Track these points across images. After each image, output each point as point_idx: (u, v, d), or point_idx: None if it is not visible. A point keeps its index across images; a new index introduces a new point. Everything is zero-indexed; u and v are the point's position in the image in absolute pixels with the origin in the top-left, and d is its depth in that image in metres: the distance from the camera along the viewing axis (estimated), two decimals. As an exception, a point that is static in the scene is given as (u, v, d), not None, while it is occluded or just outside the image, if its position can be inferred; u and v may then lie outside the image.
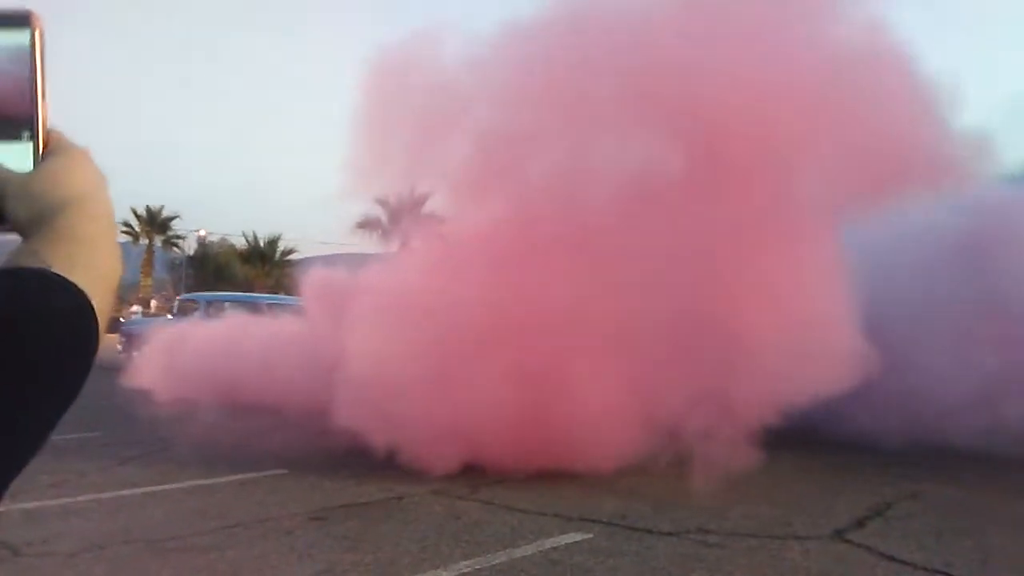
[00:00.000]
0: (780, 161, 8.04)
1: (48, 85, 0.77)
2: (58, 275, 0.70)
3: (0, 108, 0.76)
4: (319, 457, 8.54)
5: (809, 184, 8.18)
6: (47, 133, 0.78)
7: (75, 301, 0.70)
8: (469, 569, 5.18)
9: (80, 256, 0.73)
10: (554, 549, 5.60)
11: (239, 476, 7.88)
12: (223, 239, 61.08)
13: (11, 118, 0.76)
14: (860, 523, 6.11)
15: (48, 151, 0.78)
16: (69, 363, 0.69)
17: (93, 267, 0.74)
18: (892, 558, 5.39)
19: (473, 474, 6.68)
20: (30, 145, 0.77)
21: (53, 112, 0.78)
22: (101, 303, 0.73)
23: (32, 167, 0.77)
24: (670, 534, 5.89)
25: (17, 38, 0.75)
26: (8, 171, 0.76)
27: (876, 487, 7.18)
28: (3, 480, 0.64)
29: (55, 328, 0.68)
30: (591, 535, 5.90)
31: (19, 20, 0.75)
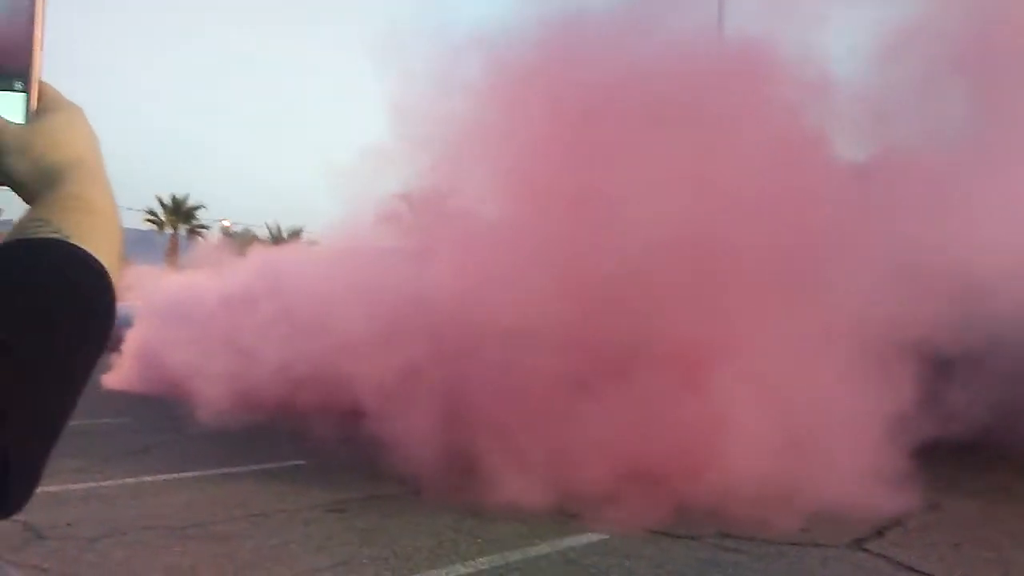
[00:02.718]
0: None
1: (45, 37, 0.75)
2: (78, 247, 0.71)
3: None
4: (338, 449, 8.58)
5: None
6: (40, 86, 0.77)
7: (95, 273, 0.71)
8: (486, 566, 5.20)
9: (95, 227, 0.74)
10: (571, 549, 5.61)
11: (259, 466, 7.95)
12: (247, 230, 61.51)
13: (6, 68, 0.75)
14: (879, 533, 6.07)
15: (42, 105, 0.77)
16: (92, 335, 0.69)
17: (106, 238, 0.74)
18: (911, 568, 5.35)
19: (494, 472, 6.68)
20: (23, 96, 0.76)
21: (77, 91, 0.78)
22: (114, 274, 0.73)
23: (24, 120, 0.76)
24: (688, 538, 5.88)
25: None
26: (7, 122, 0.75)
27: (895, 498, 7.10)
28: (42, 451, 0.65)
29: (78, 300, 0.69)
30: (608, 536, 5.89)
31: None
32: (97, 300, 0.71)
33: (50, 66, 0.77)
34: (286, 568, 5.05)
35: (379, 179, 10.16)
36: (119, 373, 13.37)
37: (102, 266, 0.72)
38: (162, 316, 13.37)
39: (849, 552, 5.70)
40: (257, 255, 14.44)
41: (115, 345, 13.48)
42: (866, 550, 5.74)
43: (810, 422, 6.71)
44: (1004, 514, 6.74)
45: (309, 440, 8.94)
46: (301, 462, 8.17)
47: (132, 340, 13.72)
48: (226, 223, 59.94)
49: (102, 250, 0.73)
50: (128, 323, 13.93)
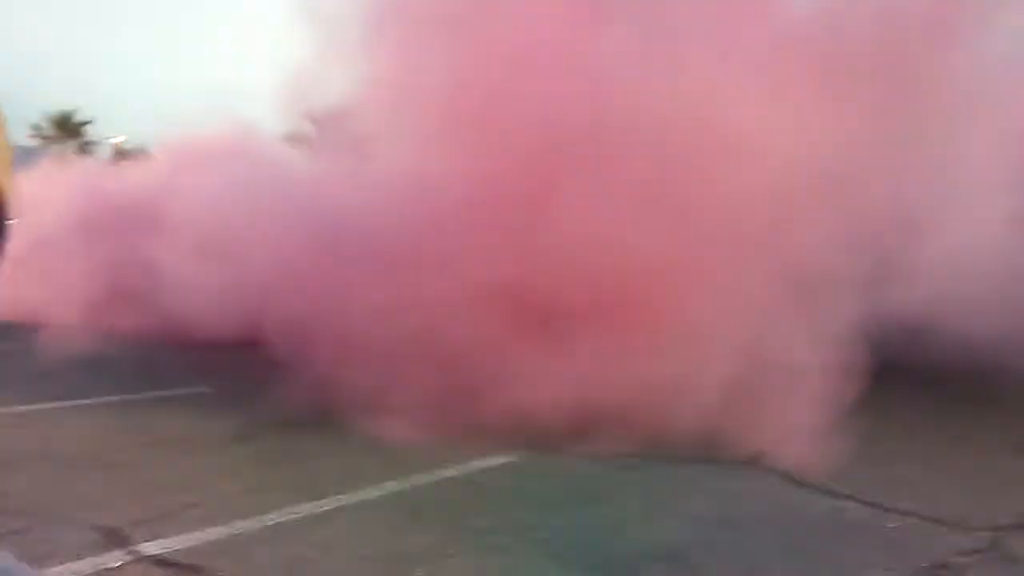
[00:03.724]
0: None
1: None
2: None
3: None
4: (243, 375, 8.43)
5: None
6: None
7: None
8: (394, 489, 5.23)
9: None
10: (479, 471, 5.69)
11: (161, 393, 7.74)
12: (140, 148, 58.78)
13: None
14: (774, 448, 6.27)
15: None
16: None
17: None
18: (802, 484, 5.62)
19: (402, 396, 6.67)
20: None
21: None
22: (5, 188, 0.66)
23: None
24: (592, 457, 6.02)
25: None
26: None
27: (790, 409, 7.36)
28: None
29: None
30: (514, 458, 5.99)
31: None
32: None
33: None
34: (192, 495, 4.96)
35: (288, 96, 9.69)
36: (9, 296, 12.69)
37: None
38: (49, 231, 12.61)
39: (745, 467, 5.94)
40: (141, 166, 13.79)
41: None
42: (760, 465, 5.98)
43: (710, 341, 6.79)
44: (895, 433, 7.06)
45: (213, 366, 8.76)
46: (205, 389, 7.99)
47: (19, 259, 13.00)
48: (118, 139, 57.14)
49: None
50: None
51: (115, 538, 4.28)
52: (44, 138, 51.57)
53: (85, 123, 52.91)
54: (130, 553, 4.12)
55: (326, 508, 4.86)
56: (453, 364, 6.83)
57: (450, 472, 5.63)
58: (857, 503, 5.29)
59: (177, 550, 4.17)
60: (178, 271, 9.84)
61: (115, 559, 4.04)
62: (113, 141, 56.43)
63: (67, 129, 52.38)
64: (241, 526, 4.52)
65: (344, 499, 5.02)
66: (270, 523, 4.59)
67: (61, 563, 3.94)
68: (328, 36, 8.25)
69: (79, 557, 4.04)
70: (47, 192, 13.01)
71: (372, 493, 5.13)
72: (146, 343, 9.95)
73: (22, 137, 49.92)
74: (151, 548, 4.18)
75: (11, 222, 0.69)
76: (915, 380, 7.73)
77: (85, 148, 53.70)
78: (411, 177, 7.90)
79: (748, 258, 6.64)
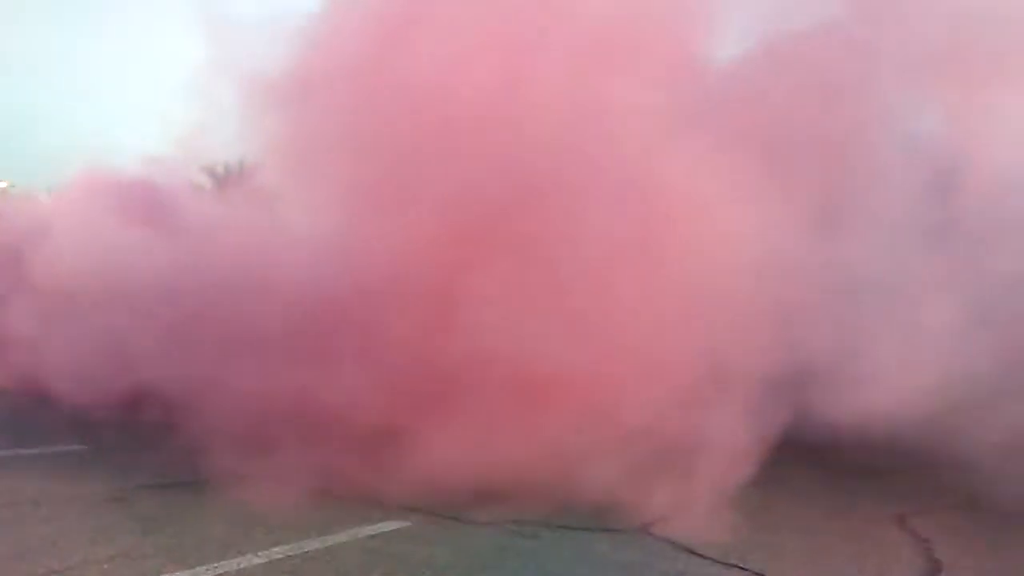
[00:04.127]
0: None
1: None
2: None
3: None
4: (122, 433, 8.05)
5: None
6: None
7: None
8: (281, 555, 5.03)
9: None
10: (371, 537, 5.53)
11: (30, 451, 7.31)
12: (29, 192, 56.31)
13: None
14: (664, 518, 6.33)
15: None
16: None
17: None
18: (692, 551, 5.67)
19: (292, 459, 6.46)
20: None
21: None
22: None
23: None
24: (488, 524, 5.94)
25: None
26: None
27: (684, 482, 7.47)
28: None
29: None
30: (409, 523, 5.87)
31: None
32: None
33: None
34: (57, 560, 4.66)
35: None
36: None
37: None
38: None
39: (637, 536, 5.96)
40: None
41: None
42: (652, 534, 6.02)
43: (615, 415, 6.76)
44: (780, 505, 7.21)
45: (89, 423, 8.35)
46: (79, 447, 7.58)
47: None
48: (2, 185, 54.56)
49: None
50: None
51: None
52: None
53: (-33, 166, 50.58)
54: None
55: None
56: (347, 429, 6.70)
57: (341, 538, 5.46)
58: (744, 571, 5.36)
59: (39, 620, 3.89)
60: (52, 324, 9.42)
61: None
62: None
63: (-55, 172, 49.89)
64: (112, 594, 4.26)
65: (227, 566, 4.79)
66: (144, 591, 4.34)
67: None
68: (230, 93, 8.16)
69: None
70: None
71: (256, 560, 4.92)
72: (17, 397, 9.41)
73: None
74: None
75: None
76: (808, 450, 7.97)
77: (-34, 192, 51.27)
78: (310, 242, 7.83)
79: (664, 337, 6.68)
